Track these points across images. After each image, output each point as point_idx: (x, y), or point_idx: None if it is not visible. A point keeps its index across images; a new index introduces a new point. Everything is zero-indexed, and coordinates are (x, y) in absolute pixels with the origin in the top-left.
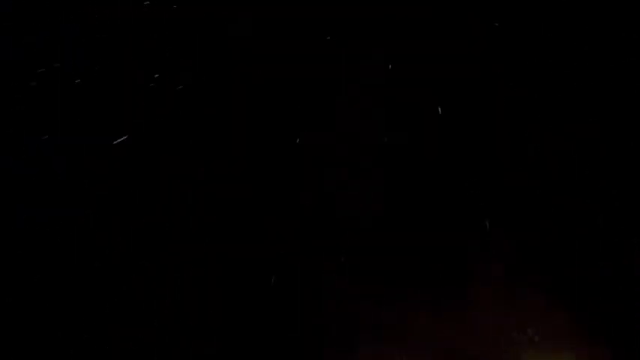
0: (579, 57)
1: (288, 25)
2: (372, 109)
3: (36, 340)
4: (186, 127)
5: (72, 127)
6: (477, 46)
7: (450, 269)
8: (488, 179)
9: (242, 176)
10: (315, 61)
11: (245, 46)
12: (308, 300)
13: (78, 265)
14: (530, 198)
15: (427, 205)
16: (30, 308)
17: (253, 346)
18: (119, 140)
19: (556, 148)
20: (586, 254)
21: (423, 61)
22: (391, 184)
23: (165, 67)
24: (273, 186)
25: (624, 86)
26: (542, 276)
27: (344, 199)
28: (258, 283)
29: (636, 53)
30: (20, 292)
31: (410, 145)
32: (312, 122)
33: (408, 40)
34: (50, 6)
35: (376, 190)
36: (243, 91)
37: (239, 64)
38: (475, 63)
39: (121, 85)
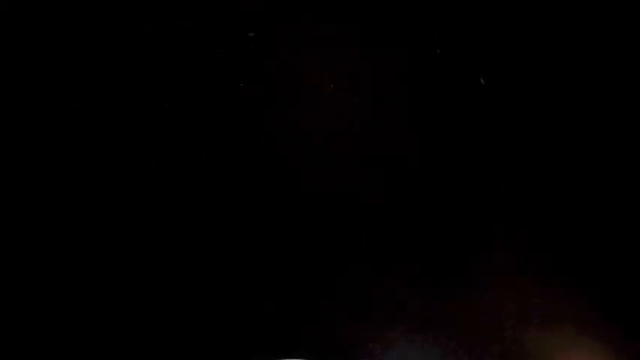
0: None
1: None
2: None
3: (36, 340)
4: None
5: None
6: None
7: (450, 263)
8: (489, 176)
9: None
10: None
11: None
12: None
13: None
14: (532, 195)
15: (428, 200)
16: (30, 308)
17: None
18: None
19: (557, 147)
20: (589, 251)
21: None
22: (392, 179)
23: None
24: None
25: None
26: (542, 272)
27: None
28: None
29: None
30: (20, 291)
31: (410, 143)
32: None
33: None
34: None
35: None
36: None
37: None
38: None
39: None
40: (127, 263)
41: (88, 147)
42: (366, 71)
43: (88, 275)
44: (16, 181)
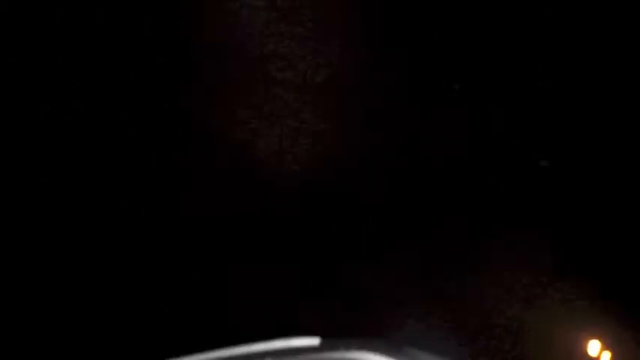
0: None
1: None
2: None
3: (35, 339)
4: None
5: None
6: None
7: (450, 263)
8: (489, 176)
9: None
10: None
11: None
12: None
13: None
14: (532, 195)
15: (428, 200)
16: (30, 307)
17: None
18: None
19: (557, 148)
20: (589, 251)
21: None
22: (395, 181)
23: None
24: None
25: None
26: (542, 272)
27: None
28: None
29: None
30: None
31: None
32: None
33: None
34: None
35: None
36: None
37: None
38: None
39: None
40: (127, 263)
41: (88, 147)
42: (367, 71)
43: (88, 275)
44: (16, 181)
